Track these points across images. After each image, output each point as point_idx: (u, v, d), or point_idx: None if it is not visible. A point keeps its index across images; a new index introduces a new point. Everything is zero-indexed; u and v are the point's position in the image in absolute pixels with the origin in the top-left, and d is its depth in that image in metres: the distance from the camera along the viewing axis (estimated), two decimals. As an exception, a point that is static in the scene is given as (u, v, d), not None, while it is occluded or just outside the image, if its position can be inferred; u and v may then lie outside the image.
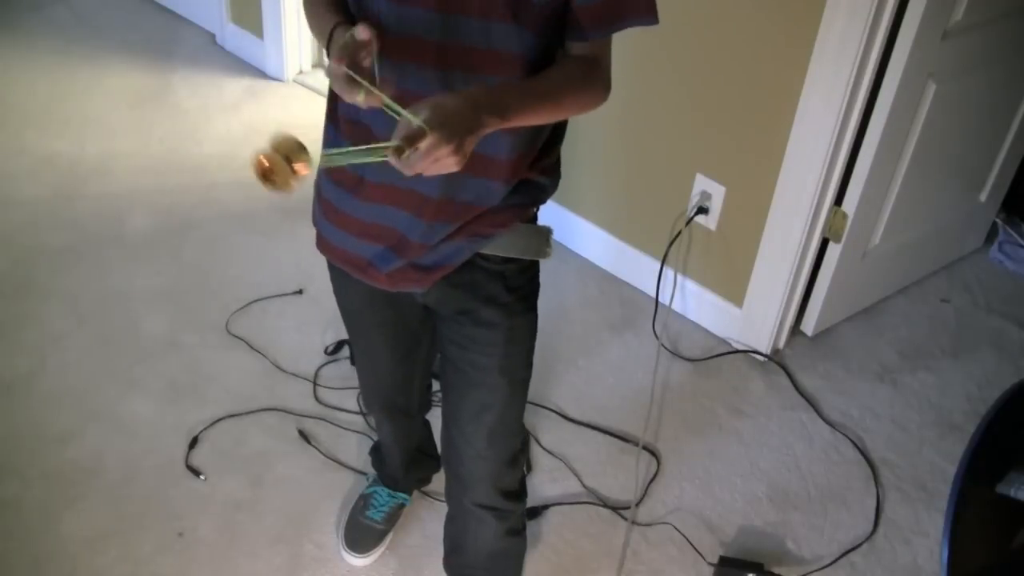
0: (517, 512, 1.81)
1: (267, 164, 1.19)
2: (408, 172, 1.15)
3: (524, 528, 1.88)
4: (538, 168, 1.45)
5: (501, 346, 1.55)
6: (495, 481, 1.70)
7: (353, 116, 1.39)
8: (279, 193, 1.22)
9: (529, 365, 1.63)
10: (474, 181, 1.39)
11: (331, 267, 1.64)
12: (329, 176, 1.49)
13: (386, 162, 1.17)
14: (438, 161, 1.14)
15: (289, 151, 1.20)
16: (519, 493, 1.78)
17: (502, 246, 1.48)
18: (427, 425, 2.10)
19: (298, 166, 1.20)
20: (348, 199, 1.46)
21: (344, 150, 1.22)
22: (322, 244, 1.57)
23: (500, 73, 1.31)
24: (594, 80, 1.36)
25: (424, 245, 1.44)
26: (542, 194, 1.50)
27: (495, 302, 1.51)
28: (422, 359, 1.81)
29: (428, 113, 1.14)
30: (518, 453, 1.73)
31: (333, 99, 1.44)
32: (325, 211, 1.52)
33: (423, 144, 1.13)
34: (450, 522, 1.89)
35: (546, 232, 1.53)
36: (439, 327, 1.61)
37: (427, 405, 2.03)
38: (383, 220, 1.44)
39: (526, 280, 1.55)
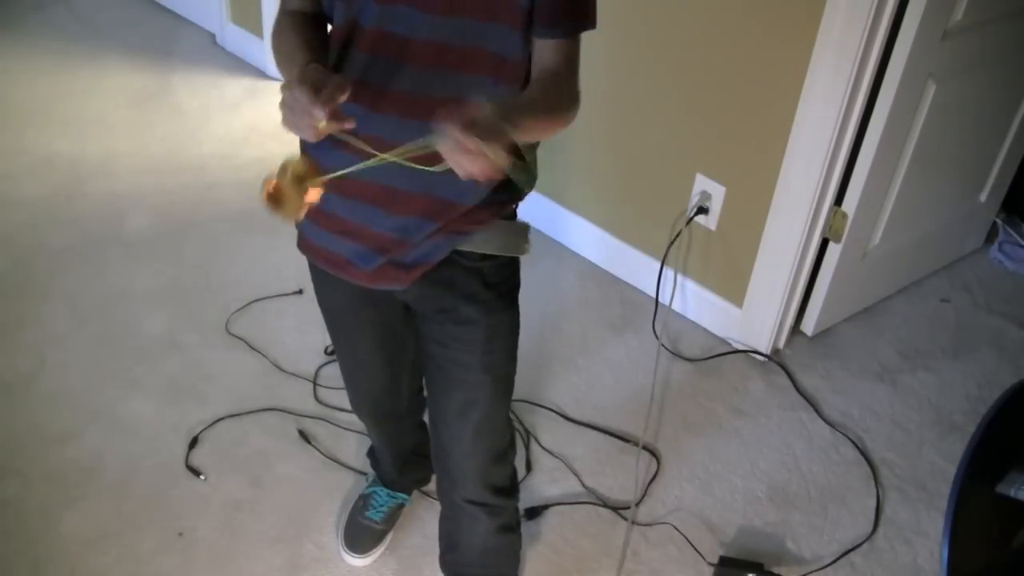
0: (509, 508, 1.81)
1: (277, 190, 1.16)
2: (453, 150, 1.14)
3: (518, 525, 1.89)
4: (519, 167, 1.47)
5: (482, 343, 1.55)
6: (484, 477, 1.71)
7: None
8: (285, 220, 1.18)
9: (512, 360, 1.64)
10: (452, 178, 1.38)
11: (312, 268, 1.64)
12: None
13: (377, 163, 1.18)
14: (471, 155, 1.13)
15: (301, 174, 1.17)
16: (509, 489, 1.78)
17: (479, 243, 1.49)
18: (423, 426, 2.09)
19: (310, 192, 1.17)
20: (330, 197, 1.45)
21: (356, 168, 1.22)
22: (303, 244, 1.57)
23: (478, 72, 1.33)
24: (569, 95, 1.37)
25: (405, 242, 1.44)
26: (520, 191, 1.50)
27: (474, 299, 1.52)
28: (408, 360, 1.80)
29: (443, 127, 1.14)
30: (506, 449, 1.73)
31: None
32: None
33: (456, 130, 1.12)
34: (444, 520, 1.89)
35: (523, 228, 1.54)
36: (420, 325, 1.61)
37: (420, 407, 2.03)
38: (363, 219, 1.45)
39: (505, 277, 1.55)
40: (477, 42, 1.33)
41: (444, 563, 1.96)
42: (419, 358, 1.81)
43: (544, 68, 1.36)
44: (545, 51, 1.35)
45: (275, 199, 1.17)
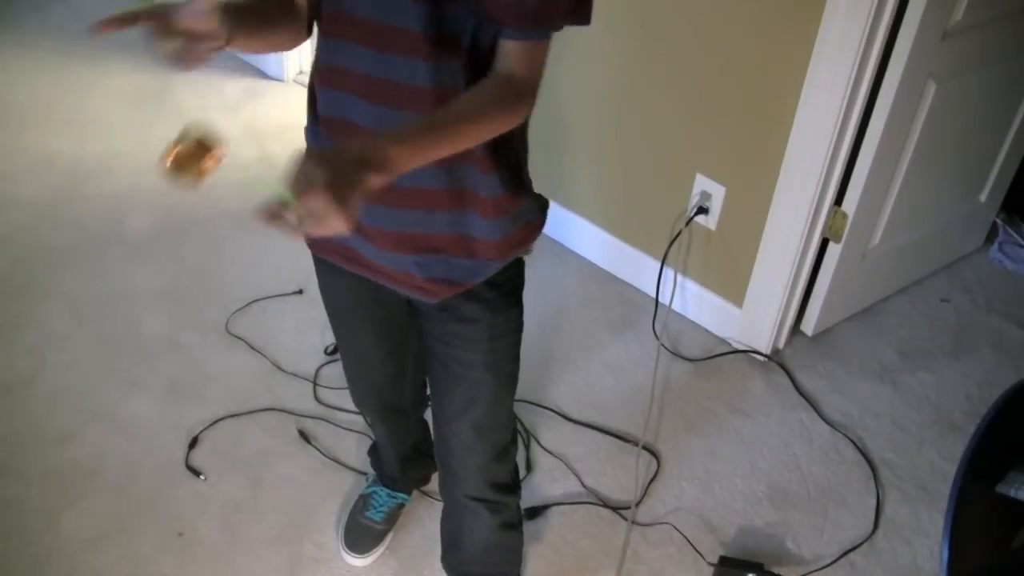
0: (511, 505, 1.82)
1: (180, 156, 1.13)
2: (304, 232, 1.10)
3: (520, 523, 1.89)
4: (524, 194, 1.47)
5: (485, 342, 1.55)
6: (486, 474, 1.72)
7: (331, 113, 1.38)
8: (186, 187, 1.16)
9: (515, 359, 1.64)
10: (467, 168, 1.37)
11: (318, 267, 1.64)
12: None
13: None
14: (323, 222, 1.08)
15: (203, 140, 1.14)
16: (511, 486, 1.79)
17: None
18: (424, 424, 2.09)
19: (209, 161, 1.14)
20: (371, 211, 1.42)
21: (264, 182, 1.16)
22: (313, 242, 1.55)
23: (433, 59, 1.26)
24: (512, 101, 1.26)
25: (445, 235, 1.43)
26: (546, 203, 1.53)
27: (477, 298, 1.51)
28: (411, 354, 1.81)
29: (295, 182, 1.07)
30: (508, 446, 1.73)
31: (313, 99, 1.44)
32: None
33: (295, 213, 1.07)
34: (446, 518, 1.90)
35: None
36: (421, 322, 1.61)
37: (422, 403, 2.03)
38: (378, 221, 1.43)
39: (509, 276, 1.54)
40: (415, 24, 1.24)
41: (446, 561, 1.96)
42: (421, 353, 1.81)
43: (498, 70, 1.26)
44: (506, 50, 1.26)
45: (178, 165, 1.15)
